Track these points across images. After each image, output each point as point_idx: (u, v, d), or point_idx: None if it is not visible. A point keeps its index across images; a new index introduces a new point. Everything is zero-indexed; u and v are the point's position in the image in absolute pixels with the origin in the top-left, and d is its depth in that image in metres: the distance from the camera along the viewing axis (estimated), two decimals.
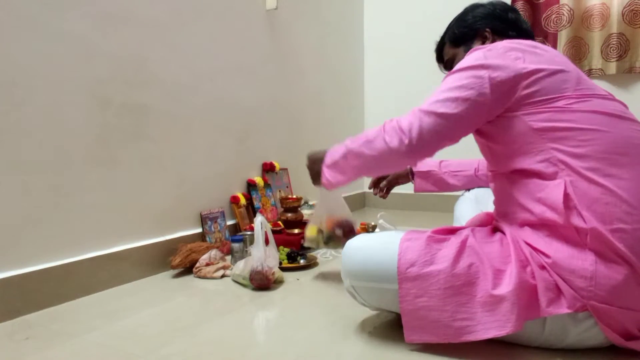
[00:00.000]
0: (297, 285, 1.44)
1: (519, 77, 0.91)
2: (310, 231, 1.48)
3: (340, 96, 2.93)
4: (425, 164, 1.54)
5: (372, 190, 1.63)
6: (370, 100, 3.22)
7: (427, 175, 1.54)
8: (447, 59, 1.25)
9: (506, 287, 0.85)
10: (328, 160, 1.18)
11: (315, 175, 1.28)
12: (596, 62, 2.53)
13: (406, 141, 0.96)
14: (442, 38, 1.26)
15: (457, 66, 0.98)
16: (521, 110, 0.91)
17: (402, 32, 3.05)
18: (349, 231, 1.43)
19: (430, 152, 1.00)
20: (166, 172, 1.63)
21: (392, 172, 1.08)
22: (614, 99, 0.93)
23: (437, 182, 1.53)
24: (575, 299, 0.83)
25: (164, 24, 1.61)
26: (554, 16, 2.61)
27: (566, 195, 0.85)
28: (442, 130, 0.95)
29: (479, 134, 1.02)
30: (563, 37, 2.58)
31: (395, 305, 0.95)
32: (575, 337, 0.88)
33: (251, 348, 0.98)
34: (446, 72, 1.24)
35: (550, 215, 0.87)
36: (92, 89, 1.37)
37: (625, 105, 0.94)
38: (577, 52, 2.57)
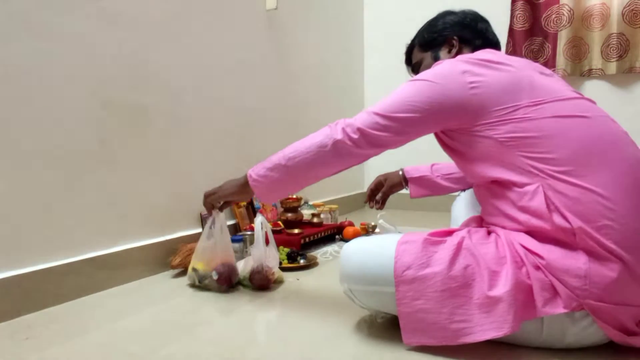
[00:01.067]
0: (297, 285, 1.44)
1: (469, 97, 0.93)
2: (195, 264, 1.36)
3: (340, 96, 2.94)
4: (417, 170, 1.56)
5: (368, 204, 1.65)
6: (370, 100, 3.22)
7: (420, 180, 1.55)
8: (414, 62, 1.28)
9: (502, 288, 0.85)
10: (255, 169, 1.15)
11: (226, 193, 1.23)
12: (596, 62, 2.53)
13: (348, 130, 1.01)
14: (413, 41, 1.29)
15: (419, 75, 1.01)
16: (481, 125, 0.93)
17: (402, 32, 3.04)
18: (226, 278, 1.34)
19: (370, 147, 1.02)
20: (166, 172, 1.63)
21: (332, 170, 1.08)
22: (575, 98, 0.93)
23: (431, 186, 1.54)
24: (571, 298, 0.83)
25: (164, 24, 1.61)
26: (554, 16, 2.61)
27: (547, 199, 0.86)
28: (382, 129, 0.99)
29: (451, 151, 1.05)
30: (563, 37, 2.58)
31: (393, 308, 0.95)
32: (574, 337, 0.88)
33: (251, 348, 0.98)
34: (413, 75, 1.28)
35: (535, 222, 0.88)
36: (92, 89, 1.37)
37: (592, 101, 0.95)
38: (577, 52, 2.57)
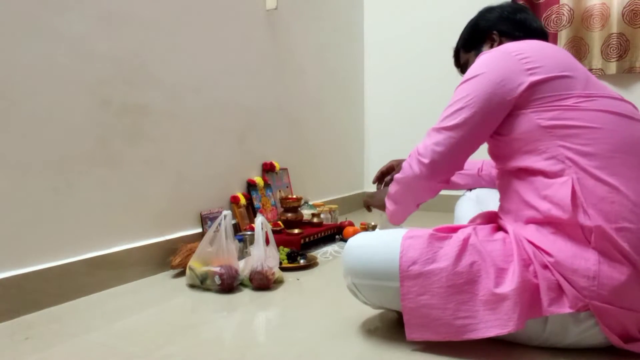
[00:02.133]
0: (297, 285, 1.44)
1: (525, 78, 0.92)
2: (195, 264, 1.39)
3: (340, 96, 2.93)
4: None
5: (375, 186, 1.63)
6: (370, 100, 3.22)
7: None
8: (462, 63, 1.28)
9: (508, 285, 0.85)
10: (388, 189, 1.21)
11: (379, 204, 1.32)
12: (596, 62, 2.52)
13: (425, 161, 1.00)
14: (457, 44, 1.28)
15: (464, 77, 1.00)
16: (529, 108, 0.92)
17: (403, 32, 3.05)
18: (228, 285, 1.34)
19: (451, 168, 1.03)
20: (166, 172, 1.63)
21: (427, 199, 1.11)
22: (623, 100, 0.93)
23: None
24: (577, 298, 0.83)
25: (164, 24, 1.61)
26: (554, 16, 2.61)
27: (573, 193, 0.85)
28: (456, 143, 0.98)
29: None
30: (563, 37, 2.58)
31: (397, 304, 0.95)
32: (575, 337, 0.88)
33: (251, 348, 0.98)
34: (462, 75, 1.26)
35: (555, 212, 0.87)
36: (92, 89, 1.37)
37: (635, 107, 0.94)
38: (577, 52, 2.57)
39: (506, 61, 0.94)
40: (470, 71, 0.99)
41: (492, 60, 0.96)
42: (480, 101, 0.95)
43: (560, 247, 0.86)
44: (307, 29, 2.53)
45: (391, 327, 1.07)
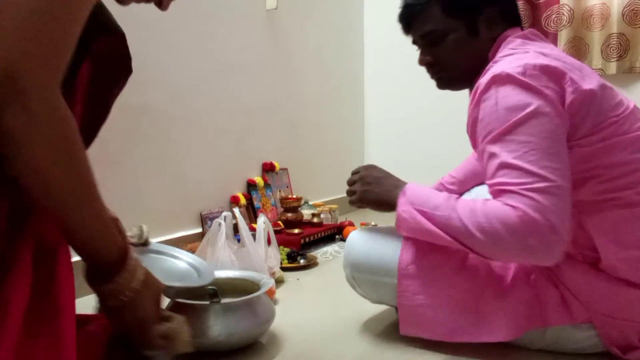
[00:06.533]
0: (297, 285, 1.44)
1: (568, 104, 0.80)
2: None
3: (340, 96, 2.93)
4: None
5: None
6: (370, 100, 3.22)
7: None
8: (429, 29, 0.93)
9: (505, 295, 0.85)
10: (414, 197, 0.88)
11: (380, 201, 0.94)
12: (596, 62, 2.52)
13: (550, 235, 0.74)
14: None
15: (506, 122, 0.78)
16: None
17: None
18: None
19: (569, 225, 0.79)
20: (166, 172, 1.63)
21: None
22: (636, 109, 0.86)
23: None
24: (581, 311, 0.82)
25: (164, 24, 1.61)
26: (554, 16, 2.61)
27: (582, 228, 0.83)
28: (566, 193, 0.77)
29: None
30: (563, 37, 2.58)
31: (394, 300, 0.95)
32: (577, 344, 0.88)
33: (251, 348, 0.98)
34: (422, 43, 0.98)
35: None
36: None
37: None
38: (577, 52, 2.57)
39: (547, 86, 0.79)
40: (513, 105, 0.78)
41: (535, 84, 0.78)
42: (559, 136, 0.79)
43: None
44: (307, 29, 2.53)
45: (391, 327, 1.07)
